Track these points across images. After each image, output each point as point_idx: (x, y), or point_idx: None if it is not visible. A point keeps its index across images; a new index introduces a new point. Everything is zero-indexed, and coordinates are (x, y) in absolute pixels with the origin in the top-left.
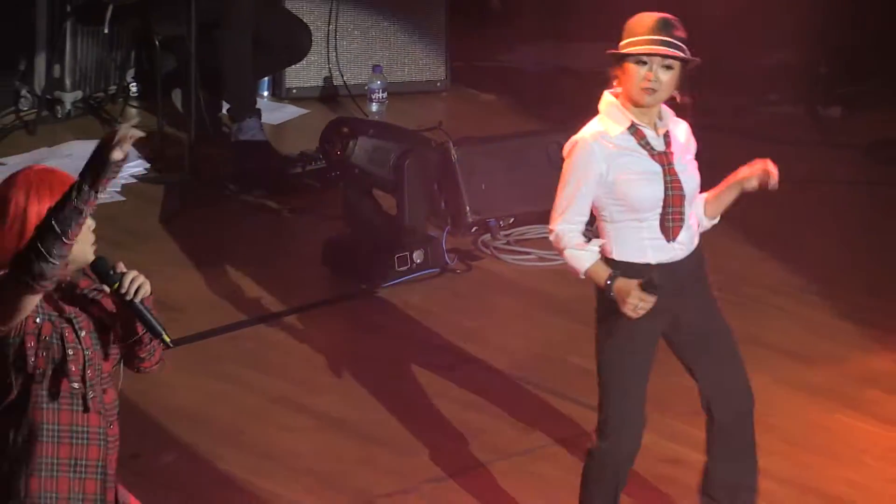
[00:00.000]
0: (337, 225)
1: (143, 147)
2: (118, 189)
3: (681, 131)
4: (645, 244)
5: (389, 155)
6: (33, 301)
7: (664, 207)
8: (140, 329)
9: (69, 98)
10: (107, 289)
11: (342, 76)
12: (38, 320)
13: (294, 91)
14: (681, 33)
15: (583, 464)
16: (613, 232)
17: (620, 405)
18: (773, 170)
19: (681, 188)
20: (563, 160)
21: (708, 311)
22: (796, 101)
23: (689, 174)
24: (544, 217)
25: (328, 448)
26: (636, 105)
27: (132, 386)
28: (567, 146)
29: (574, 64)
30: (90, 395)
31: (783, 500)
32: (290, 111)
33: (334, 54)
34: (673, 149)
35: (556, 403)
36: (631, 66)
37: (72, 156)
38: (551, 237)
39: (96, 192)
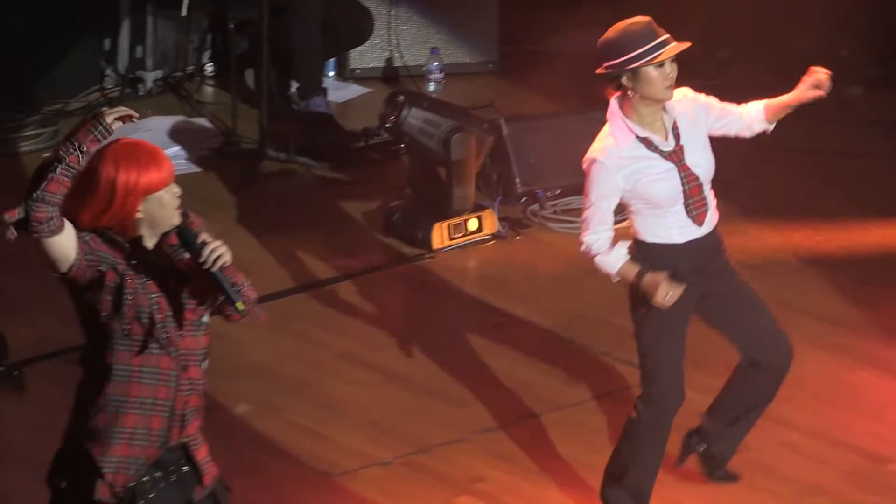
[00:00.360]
0: (397, 194)
1: (218, 122)
2: (195, 160)
3: (686, 108)
4: (671, 230)
5: (439, 129)
6: (52, 245)
7: (685, 200)
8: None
9: (150, 77)
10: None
11: (402, 58)
12: (101, 268)
13: (357, 71)
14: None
15: (624, 427)
16: (641, 221)
17: (662, 381)
18: (824, 78)
19: (696, 179)
20: None
21: (731, 278)
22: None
23: (702, 159)
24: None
25: (388, 400)
26: (656, 103)
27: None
28: (584, 163)
29: None
30: (164, 336)
31: (812, 451)
32: (353, 90)
33: (395, 37)
34: (683, 141)
35: (599, 360)
36: (650, 73)
37: (151, 130)
38: (581, 248)
39: (79, 148)
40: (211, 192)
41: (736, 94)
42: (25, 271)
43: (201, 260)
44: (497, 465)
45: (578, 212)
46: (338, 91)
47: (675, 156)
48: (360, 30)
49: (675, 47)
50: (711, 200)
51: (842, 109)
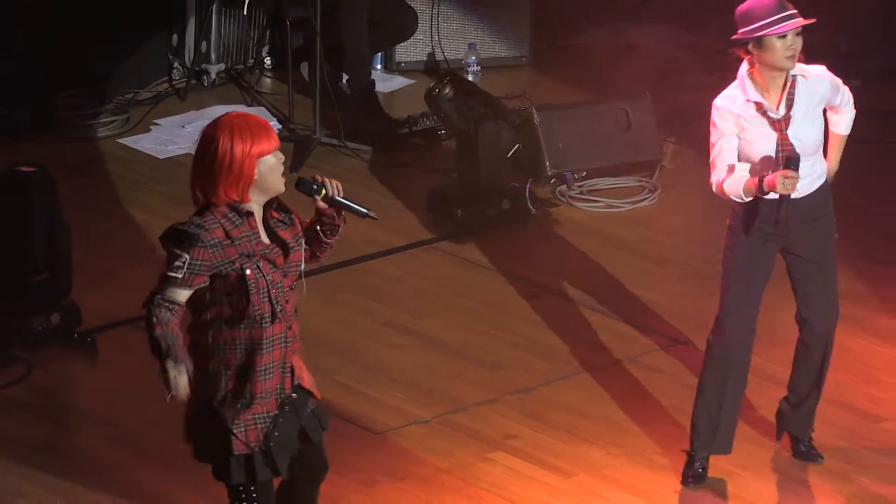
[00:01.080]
0: (438, 176)
1: (276, 110)
2: None
3: (815, 89)
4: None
5: (472, 112)
6: None
7: (776, 167)
8: (340, 221)
9: (214, 69)
10: (290, 219)
11: (443, 52)
12: (224, 271)
13: (402, 64)
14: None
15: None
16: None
17: (734, 304)
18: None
19: (791, 149)
20: (629, 124)
21: (820, 243)
22: None
23: (807, 135)
24: (611, 171)
25: (428, 364)
26: (779, 71)
27: None
28: (712, 111)
29: (637, 42)
30: (279, 309)
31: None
32: (399, 81)
33: (436, 34)
34: (793, 112)
35: (622, 328)
36: (773, 42)
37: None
38: (713, 188)
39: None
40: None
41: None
42: (100, 249)
43: (330, 194)
44: (528, 424)
45: (603, 192)
46: (384, 82)
47: (779, 124)
48: (405, 26)
49: (797, 22)
50: (811, 169)
51: None
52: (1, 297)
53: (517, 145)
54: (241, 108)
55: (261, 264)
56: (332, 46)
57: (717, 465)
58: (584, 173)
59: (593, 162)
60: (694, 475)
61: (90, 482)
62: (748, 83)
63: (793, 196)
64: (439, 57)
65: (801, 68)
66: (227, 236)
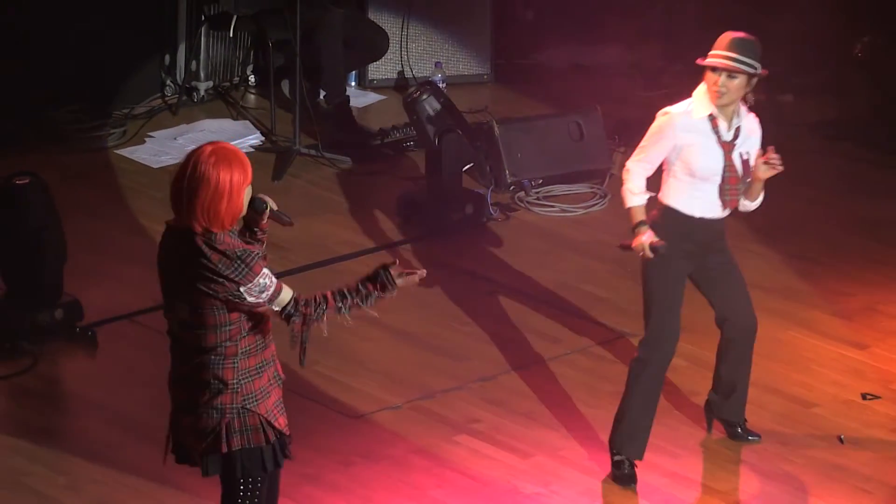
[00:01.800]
0: (407, 184)
1: (259, 124)
2: None
3: (751, 128)
4: (695, 202)
5: (443, 121)
6: None
7: (722, 184)
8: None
9: (203, 86)
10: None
11: (412, 70)
12: None
13: (374, 82)
14: (749, 51)
15: (628, 371)
16: (673, 185)
17: (660, 323)
18: (771, 159)
19: (735, 171)
20: (581, 135)
21: (727, 258)
22: (757, 91)
23: (743, 161)
24: (565, 178)
25: (399, 355)
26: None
27: None
28: (661, 113)
29: (588, 61)
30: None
31: (751, 398)
32: (371, 97)
33: (405, 53)
34: (737, 141)
35: (573, 321)
36: (708, 73)
37: (204, 131)
38: (623, 172)
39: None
40: (253, 180)
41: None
42: (99, 250)
43: (273, 208)
44: (489, 409)
45: (557, 198)
46: (358, 98)
47: (728, 146)
48: (377, 47)
49: (721, 63)
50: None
51: (776, 113)
52: (8, 294)
53: (471, 163)
54: (225, 121)
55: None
56: (310, 66)
57: (660, 447)
58: (541, 180)
59: (549, 170)
60: (627, 477)
61: (91, 462)
62: (706, 100)
63: (721, 214)
64: (408, 74)
65: (742, 108)
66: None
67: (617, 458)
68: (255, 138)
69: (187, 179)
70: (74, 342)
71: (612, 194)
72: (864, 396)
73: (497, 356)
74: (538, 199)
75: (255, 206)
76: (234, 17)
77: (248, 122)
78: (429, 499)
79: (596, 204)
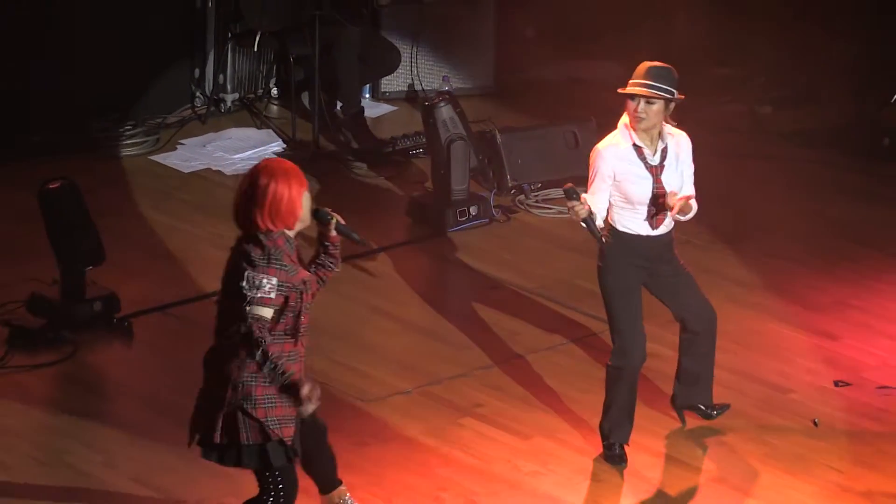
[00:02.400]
0: (417, 187)
1: (281, 132)
2: None
3: (678, 143)
4: (638, 223)
5: (456, 128)
6: None
7: (650, 205)
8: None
9: (229, 98)
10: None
11: (421, 83)
12: (287, 295)
13: (387, 94)
14: (664, 78)
15: (606, 374)
16: (618, 213)
17: (625, 331)
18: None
19: (664, 193)
20: (576, 144)
21: (675, 266)
22: (739, 102)
23: (673, 181)
24: (562, 182)
25: (408, 344)
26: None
27: None
28: (592, 153)
29: (584, 76)
30: (302, 329)
31: (732, 384)
32: (384, 108)
33: (415, 68)
34: (666, 161)
35: (569, 313)
36: (627, 101)
37: (231, 139)
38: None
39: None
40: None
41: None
42: (134, 247)
43: (339, 222)
44: (492, 394)
45: (556, 200)
46: (372, 109)
47: (656, 170)
48: (390, 62)
49: (637, 90)
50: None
51: (755, 123)
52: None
53: (483, 160)
54: (250, 130)
55: (303, 290)
56: (328, 79)
57: (648, 429)
58: (540, 185)
59: (547, 175)
60: (618, 458)
61: (127, 442)
62: (629, 131)
63: (660, 230)
64: (418, 87)
65: (670, 129)
66: (291, 261)
67: (607, 441)
68: (277, 146)
69: (249, 190)
70: (112, 332)
71: None
72: (836, 383)
73: (499, 345)
74: (537, 201)
75: (320, 216)
76: (259, 35)
77: (270, 130)
78: (436, 476)
79: None
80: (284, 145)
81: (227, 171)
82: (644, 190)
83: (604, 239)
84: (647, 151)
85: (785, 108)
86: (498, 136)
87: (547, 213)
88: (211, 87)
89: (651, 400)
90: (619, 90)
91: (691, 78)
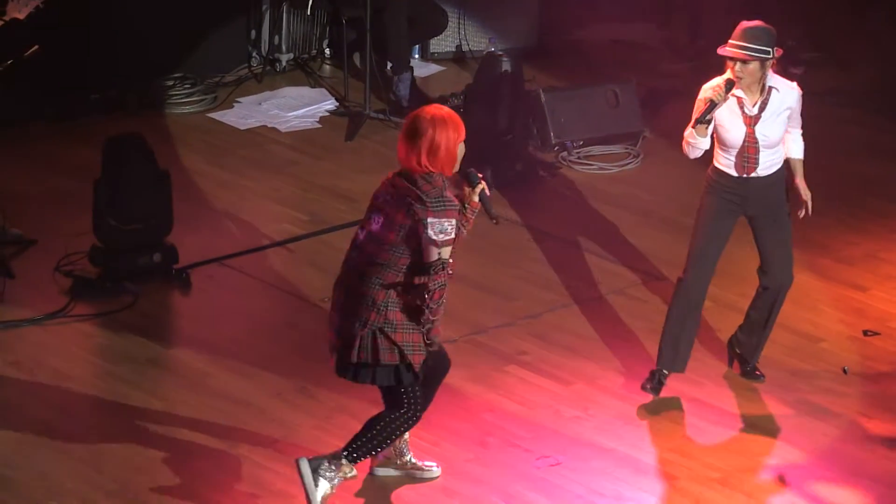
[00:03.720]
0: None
1: (334, 91)
2: (317, 120)
3: (783, 97)
4: (730, 165)
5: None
6: None
7: (741, 153)
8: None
9: (284, 58)
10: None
11: (468, 44)
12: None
13: (435, 55)
14: (758, 38)
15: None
16: (717, 151)
17: (697, 250)
18: (804, 208)
19: (755, 142)
20: (617, 102)
21: (776, 213)
22: (773, 64)
23: (771, 133)
24: (603, 140)
25: (454, 294)
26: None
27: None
28: (702, 92)
29: (623, 37)
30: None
31: None
32: (432, 68)
33: (463, 30)
34: (764, 114)
35: (610, 266)
36: (727, 62)
37: (286, 97)
38: (687, 135)
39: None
40: (328, 141)
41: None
42: (192, 201)
43: (484, 190)
44: (535, 343)
45: (597, 157)
46: (420, 69)
47: (751, 119)
48: (438, 24)
49: (732, 52)
50: (768, 159)
51: None
52: (111, 238)
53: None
54: (304, 88)
55: (462, 225)
56: (379, 40)
57: (683, 376)
58: (581, 142)
59: (588, 133)
60: (653, 386)
61: (183, 387)
62: (734, 81)
63: (748, 176)
64: (465, 49)
65: (776, 81)
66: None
67: (653, 369)
68: (331, 104)
69: (411, 134)
70: (171, 283)
71: (644, 154)
72: (865, 333)
73: (543, 296)
74: (579, 158)
75: (469, 177)
76: None
77: (323, 89)
78: (481, 421)
79: (630, 163)
80: (337, 103)
81: (282, 128)
82: (737, 136)
83: (496, 222)
84: (746, 102)
85: (816, 69)
86: (542, 96)
87: (588, 168)
88: (267, 48)
89: (695, 346)
90: (719, 51)
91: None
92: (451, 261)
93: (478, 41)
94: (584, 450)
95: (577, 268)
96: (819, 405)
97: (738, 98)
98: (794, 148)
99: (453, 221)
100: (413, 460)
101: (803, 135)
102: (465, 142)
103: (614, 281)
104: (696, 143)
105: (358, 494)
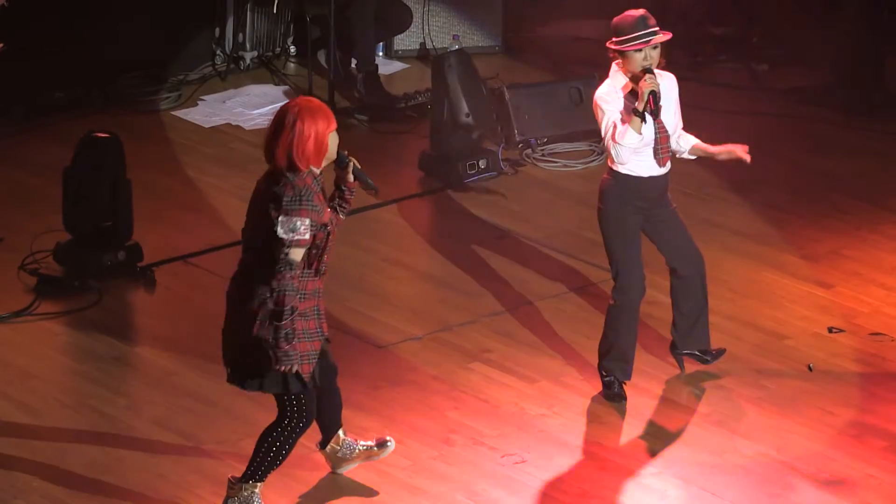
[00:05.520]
0: (427, 142)
1: (298, 89)
2: None
3: (668, 83)
4: (643, 165)
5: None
6: None
7: (655, 144)
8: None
9: (248, 56)
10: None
11: (432, 42)
12: (315, 234)
13: (399, 52)
14: (654, 21)
15: (606, 314)
16: (619, 157)
17: (624, 270)
18: (745, 155)
19: (665, 130)
20: (581, 99)
21: (669, 210)
22: (737, 60)
23: (671, 116)
24: (567, 137)
25: (420, 292)
26: (636, 77)
27: None
28: (594, 101)
29: (586, 34)
30: (323, 268)
31: (729, 330)
32: (396, 66)
33: (426, 27)
34: (662, 102)
35: (574, 263)
36: (632, 54)
37: (249, 95)
38: (609, 145)
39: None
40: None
41: (672, 70)
42: (157, 199)
43: (356, 166)
44: (500, 340)
45: (561, 154)
46: (385, 66)
47: (656, 118)
48: (402, 22)
49: (654, 39)
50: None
51: (752, 80)
52: (79, 238)
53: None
54: (268, 86)
55: (329, 229)
56: (344, 38)
57: (647, 373)
58: (546, 139)
59: (553, 130)
60: (618, 393)
61: (148, 385)
62: (622, 77)
63: (662, 170)
64: (429, 46)
65: (659, 71)
66: (319, 201)
67: (607, 379)
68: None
69: (277, 128)
70: (135, 280)
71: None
72: (830, 330)
73: (507, 293)
74: (543, 155)
75: (338, 159)
76: None
77: (288, 87)
78: (446, 419)
79: (594, 160)
80: None
81: (246, 126)
82: (647, 132)
83: (376, 193)
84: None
85: (781, 66)
86: (506, 93)
87: (553, 166)
88: (231, 46)
89: (651, 346)
90: (630, 47)
91: (690, 36)
92: (323, 267)
93: (442, 38)
94: (549, 447)
95: (541, 265)
96: (785, 402)
97: (634, 91)
98: (687, 138)
99: (307, 221)
100: (364, 444)
101: (769, 130)
102: (337, 131)
103: (578, 278)
104: (630, 142)
105: (321, 495)
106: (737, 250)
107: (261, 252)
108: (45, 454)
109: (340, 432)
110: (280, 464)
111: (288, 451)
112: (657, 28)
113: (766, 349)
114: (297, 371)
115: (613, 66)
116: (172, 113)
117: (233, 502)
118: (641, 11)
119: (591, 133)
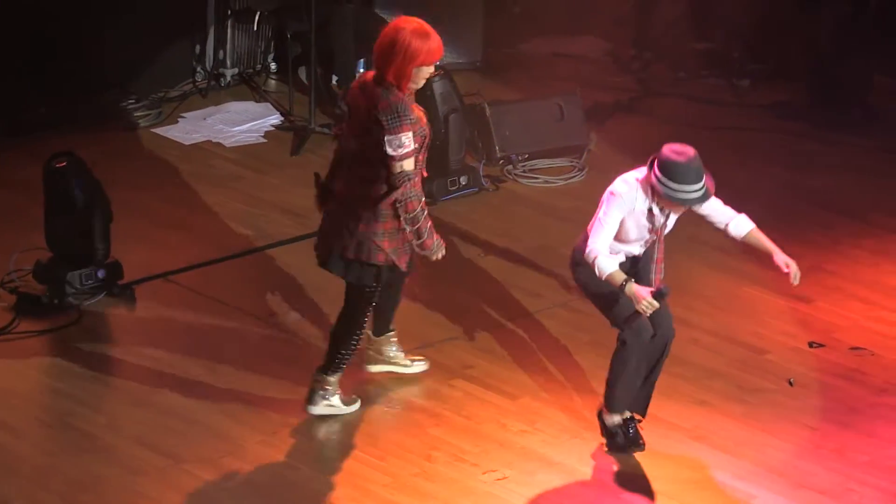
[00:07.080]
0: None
1: (279, 106)
2: (262, 134)
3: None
4: (627, 249)
5: (451, 102)
6: None
7: (650, 263)
8: None
9: (229, 73)
10: None
11: None
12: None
13: None
14: (703, 173)
15: (614, 355)
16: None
17: (630, 322)
18: (794, 278)
19: (662, 251)
20: (562, 115)
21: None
22: (719, 76)
23: (671, 230)
24: (548, 153)
25: (400, 308)
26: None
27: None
28: (609, 191)
29: (567, 51)
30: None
31: (710, 345)
32: None
33: None
34: (668, 222)
35: (554, 279)
36: (667, 198)
37: (230, 111)
38: (588, 250)
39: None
40: (273, 155)
41: (655, 86)
42: (137, 217)
43: None
44: (481, 357)
45: (542, 170)
46: None
47: (657, 231)
48: None
49: (697, 206)
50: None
51: (734, 96)
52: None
53: (473, 132)
54: (249, 103)
55: (425, 133)
56: (324, 54)
57: None
58: (527, 155)
59: (533, 146)
60: (633, 438)
61: (128, 403)
62: (647, 195)
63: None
64: None
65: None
66: (415, 112)
67: (620, 418)
68: (276, 118)
69: (386, 47)
70: (116, 298)
71: (589, 168)
72: (810, 345)
73: (488, 310)
74: (524, 171)
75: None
76: (258, 13)
77: (269, 104)
78: (428, 436)
79: (575, 176)
80: (282, 118)
81: (227, 143)
82: (642, 235)
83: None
84: (657, 215)
85: (762, 82)
86: (487, 109)
87: (534, 182)
88: (211, 63)
89: None
90: (671, 197)
91: (672, 52)
92: (419, 166)
93: None
94: (531, 464)
95: (522, 281)
96: (765, 417)
97: (651, 210)
98: (743, 223)
99: (409, 134)
100: (396, 354)
101: (750, 145)
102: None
103: (558, 294)
104: (603, 273)
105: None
106: (717, 265)
107: (367, 158)
108: (25, 472)
109: (392, 334)
110: (349, 355)
111: (355, 343)
112: (703, 184)
113: (747, 364)
114: (391, 265)
115: (650, 177)
116: (153, 130)
117: (319, 398)
118: (696, 159)
119: (572, 149)
